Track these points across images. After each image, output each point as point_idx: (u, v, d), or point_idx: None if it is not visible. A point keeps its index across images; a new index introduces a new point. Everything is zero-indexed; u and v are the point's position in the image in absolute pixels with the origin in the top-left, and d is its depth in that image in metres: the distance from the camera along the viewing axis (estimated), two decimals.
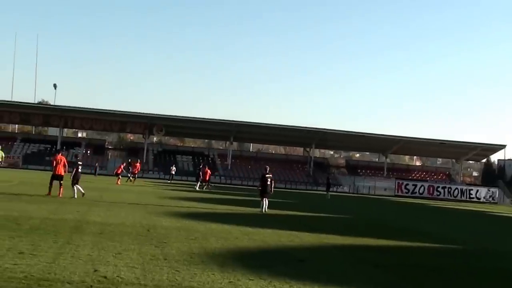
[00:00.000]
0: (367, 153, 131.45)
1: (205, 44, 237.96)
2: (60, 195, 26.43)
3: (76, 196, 26.54)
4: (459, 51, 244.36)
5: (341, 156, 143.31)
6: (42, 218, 17.12)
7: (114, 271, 10.00)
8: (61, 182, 27.02)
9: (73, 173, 27.49)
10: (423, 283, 11.33)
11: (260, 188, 27.90)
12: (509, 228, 33.37)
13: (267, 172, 27.82)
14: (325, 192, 57.11)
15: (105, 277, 9.45)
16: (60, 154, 27.92)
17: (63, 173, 27.29)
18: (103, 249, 12.16)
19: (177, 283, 9.48)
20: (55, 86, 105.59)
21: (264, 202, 27.25)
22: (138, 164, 54.45)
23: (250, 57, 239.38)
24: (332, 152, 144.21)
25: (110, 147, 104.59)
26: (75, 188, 27.08)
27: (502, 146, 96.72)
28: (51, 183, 27.21)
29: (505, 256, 17.32)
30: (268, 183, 27.29)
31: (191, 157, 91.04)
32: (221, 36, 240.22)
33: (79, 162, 28.62)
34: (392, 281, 11.26)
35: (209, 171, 52.04)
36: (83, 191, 27.34)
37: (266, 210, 27.13)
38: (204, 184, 50.00)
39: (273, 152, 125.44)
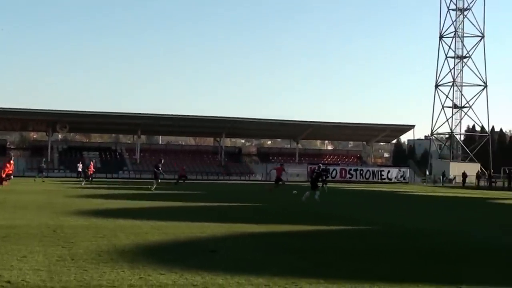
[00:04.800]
0: (279, 140, 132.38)
1: (107, 36, 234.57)
2: None
3: None
4: (359, 33, 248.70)
5: (253, 144, 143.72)
6: None
7: (19, 275, 9.61)
8: None
9: None
10: (336, 266, 11.34)
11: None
12: (419, 206, 34.09)
13: (317, 168, 33.53)
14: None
15: (9, 282, 9.08)
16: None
17: None
18: (6, 253, 11.69)
19: (85, 283, 9.18)
20: None
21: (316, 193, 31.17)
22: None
23: (152, 49, 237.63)
24: (243, 141, 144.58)
25: (12, 147, 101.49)
26: None
27: (411, 127, 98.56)
28: None
29: (417, 234, 17.61)
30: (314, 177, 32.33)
31: (98, 153, 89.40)
32: (118, 26, 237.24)
33: None
34: (305, 266, 11.22)
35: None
36: None
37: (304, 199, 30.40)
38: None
39: (183, 143, 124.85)
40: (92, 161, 60.60)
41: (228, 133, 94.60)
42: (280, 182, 42.03)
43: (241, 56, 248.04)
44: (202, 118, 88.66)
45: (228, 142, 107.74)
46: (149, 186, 42.12)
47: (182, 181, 54.25)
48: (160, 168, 42.79)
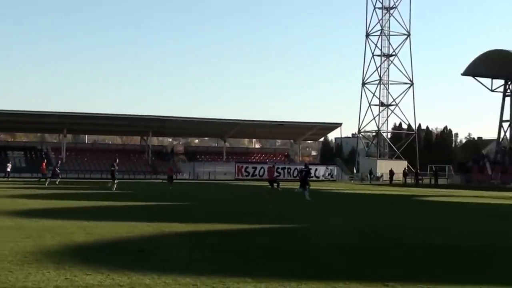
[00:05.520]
0: (206, 138, 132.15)
1: (30, 33, 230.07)
2: None
3: None
4: (286, 31, 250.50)
5: (180, 143, 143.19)
6: None
7: None
8: None
9: None
10: (264, 265, 11.42)
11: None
12: (347, 204, 34.51)
13: (304, 167, 36.07)
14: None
15: None
16: None
17: None
18: None
19: (10, 284, 9.01)
20: None
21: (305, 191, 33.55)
22: None
23: (77, 47, 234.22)
24: (170, 139, 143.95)
25: None
26: None
27: (338, 125, 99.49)
28: None
29: (344, 232, 17.85)
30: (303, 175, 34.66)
31: (23, 152, 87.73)
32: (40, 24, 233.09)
33: None
34: (233, 265, 11.28)
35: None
36: None
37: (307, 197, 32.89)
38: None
39: (110, 142, 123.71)
40: (44, 161, 59.65)
41: (155, 132, 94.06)
42: (275, 184, 41.19)
43: (167, 53, 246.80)
44: (129, 117, 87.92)
45: (155, 141, 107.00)
46: (109, 185, 41.42)
47: (167, 181, 53.70)
48: (116, 167, 42.29)
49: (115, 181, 41.61)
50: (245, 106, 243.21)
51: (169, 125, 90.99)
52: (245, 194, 42.03)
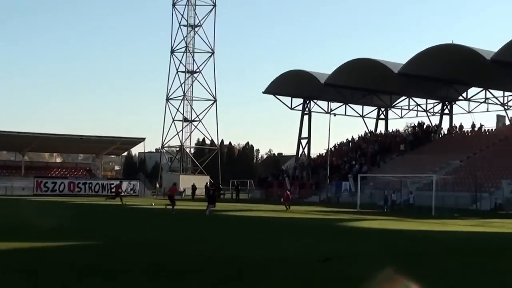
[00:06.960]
0: (4, 152, 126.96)
1: None
2: None
3: None
4: (93, 43, 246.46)
5: None
6: None
7: None
8: None
9: None
10: (70, 285, 11.03)
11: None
12: (150, 219, 34.36)
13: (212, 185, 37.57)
14: None
15: None
16: None
17: None
18: None
19: None
20: None
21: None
22: None
23: None
24: None
25: None
26: None
27: (142, 139, 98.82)
28: None
29: (145, 248, 17.66)
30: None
31: None
32: None
33: None
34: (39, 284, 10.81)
35: None
36: None
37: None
38: None
39: None
40: None
41: None
42: (170, 204, 40.74)
43: None
44: None
45: None
46: None
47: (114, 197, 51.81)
48: None
49: None
50: (46, 119, 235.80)
51: None
52: (43, 210, 40.67)
